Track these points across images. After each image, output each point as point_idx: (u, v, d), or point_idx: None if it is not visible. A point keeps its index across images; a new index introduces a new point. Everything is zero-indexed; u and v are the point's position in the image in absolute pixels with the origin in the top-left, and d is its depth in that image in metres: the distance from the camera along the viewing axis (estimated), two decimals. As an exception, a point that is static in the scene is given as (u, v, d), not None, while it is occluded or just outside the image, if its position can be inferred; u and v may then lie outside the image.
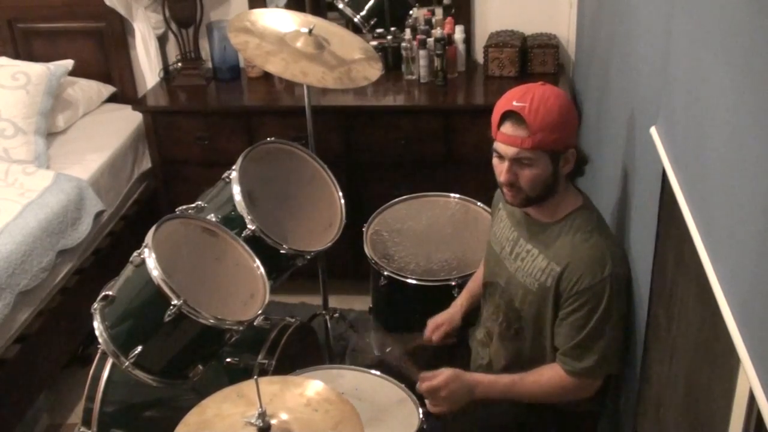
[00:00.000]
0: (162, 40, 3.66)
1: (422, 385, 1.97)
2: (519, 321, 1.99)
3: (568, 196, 1.94)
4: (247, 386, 1.68)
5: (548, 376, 1.93)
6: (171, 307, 1.96)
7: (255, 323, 2.19)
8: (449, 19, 3.36)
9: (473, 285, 2.30)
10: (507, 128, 1.83)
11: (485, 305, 2.15)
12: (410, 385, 2.05)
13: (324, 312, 3.05)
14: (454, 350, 2.28)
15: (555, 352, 1.94)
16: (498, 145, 1.87)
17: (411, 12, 3.29)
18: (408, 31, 3.35)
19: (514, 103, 1.81)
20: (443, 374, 1.96)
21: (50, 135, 3.39)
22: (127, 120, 3.52)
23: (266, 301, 2.16)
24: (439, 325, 2.27)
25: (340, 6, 2.98)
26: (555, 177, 1.86)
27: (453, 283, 2.43)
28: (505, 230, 2.06)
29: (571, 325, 1.87)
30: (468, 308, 2.28)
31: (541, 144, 1.80)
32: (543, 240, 1.94)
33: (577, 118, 1.93)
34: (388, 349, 2.57)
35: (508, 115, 1.83)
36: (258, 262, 2.24)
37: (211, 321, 2.01)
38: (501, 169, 1.88)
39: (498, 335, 2.07)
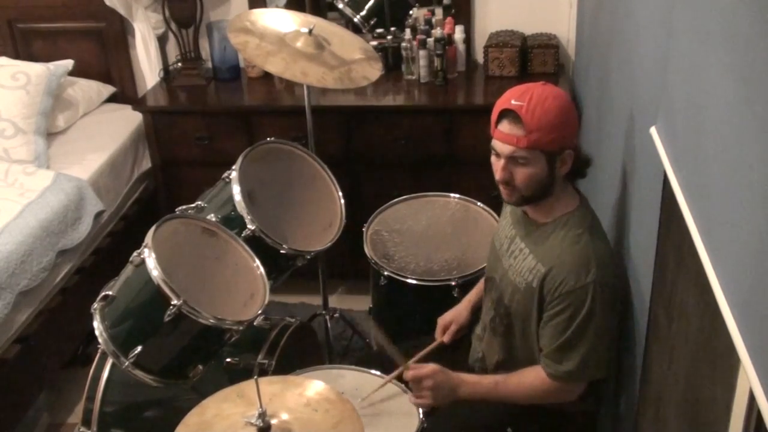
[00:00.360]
0: (162, 40, 3.66)
1: (408, 374, 1.99)
2: (508, 317, 2.00)
3: (565, 197, 1.93)
4: (247, 386, 1.68)
5: (531, 379, 1.93)
6: (171, 307, 1.96)
7: (255, 323, 2.19)
8: (449, 19, 3.36)
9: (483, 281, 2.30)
10: (504, 126, 1.83)
11: (484, 300, 2.16)
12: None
13: (324, 312, 3.05)
14: (460, 344, 2.28)
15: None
16: (495, 143, 1.87)
17: (411, 12, 3.29)
18: (408, 31, 3.35)
19: (512, 102, 1.81)
20: (430, 366, 1.98)
21: (50, 135, 3.39)
22: (127, 120, 3.52)
23: (266, 301, 2.16)
24: (447, 324, 2.27)
25: (340, 6, 2.98)
26: (551, 177, 1.86)
27: (453, 283, 2.43)
28: (506, 227, 2.07)
29: (554, 328, 1.87)
30: (476, 304, 2.28)
31: (537, 144, 1.80)
32: (535, 239, 1.94)
33: (578, 120, 1.93)
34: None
35: (506, 114, 1.83)
36: (258, 262, 2.24)
37: (211, 321, 2.01)
38: (497, 167, 1.88)
39: (490, 330, 2.08)
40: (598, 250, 1.85)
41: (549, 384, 1.90)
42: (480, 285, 2.31)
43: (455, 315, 2.28)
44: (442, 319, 2.30)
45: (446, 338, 2.26)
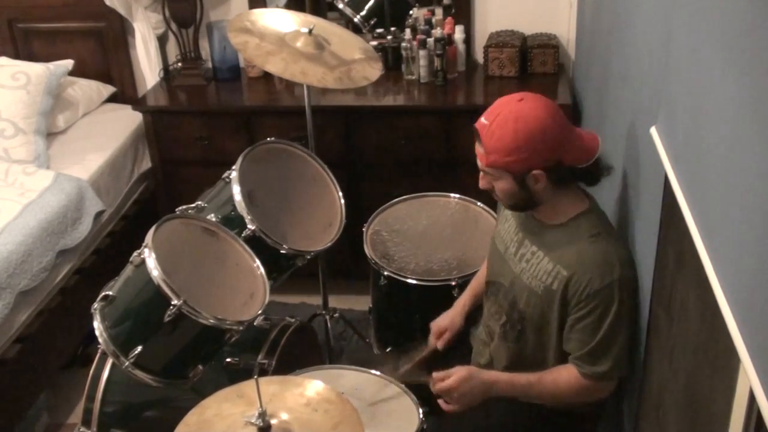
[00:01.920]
0: (162, 40, 3.66)
1: (435, 387, 1.98)
2: (522, 322, 1.98)
3: (568, 199, 1.92)
4: (247, 386, 1.68)
5: (565, 378, 1.92)
6: (171, 307, 1.96)
7: (255, 323, 2.19)
8: (449, 19, 3.36)
9: (476, 284, 2.29)
10: (477, 141, 1.88)
11: (487, 304, 2.14)
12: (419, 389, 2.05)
13: (324, 312, 3.05)
14: (455, 348, 2.27)
15: (558, 354, 1.94)
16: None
17: (411, 12, 3.28)
18: (408, 31, 3.35)
19: (481, 120, 1.85)
20: (456, 375, 1.96)
21: (50, 135, 3.39)
22: (127, 120, 3.52)
23: (266, 301, 2.16)
24: (442, 331, 2.26)
25: (340, 6, 2.97)
26: (526, 192, 1.86)
27: (453, 283, 2.42)
28: (510, 230, 2.05)
29: (584, 330, 1.85)
30: (471, 308, 2.27)
31: (495, 164, 1.83)
32: (548, 242, 1.92)
33: (550, 140, 1.79)
34: (388, 349, 2.57)
35: (475, 130, 1.86)
36: (258, 262, 2.24)
37: (211, 321, 2.01)
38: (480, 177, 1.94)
39: (499, 335, 2.06)
40: (617, 248, 1.86)
41: (584, 383, 1.89)
42: (473, 287, 2.30)
43: (450, 323, 2.27)
44: (436, 325, 2.28)
45: (440, 345, 2.25)
